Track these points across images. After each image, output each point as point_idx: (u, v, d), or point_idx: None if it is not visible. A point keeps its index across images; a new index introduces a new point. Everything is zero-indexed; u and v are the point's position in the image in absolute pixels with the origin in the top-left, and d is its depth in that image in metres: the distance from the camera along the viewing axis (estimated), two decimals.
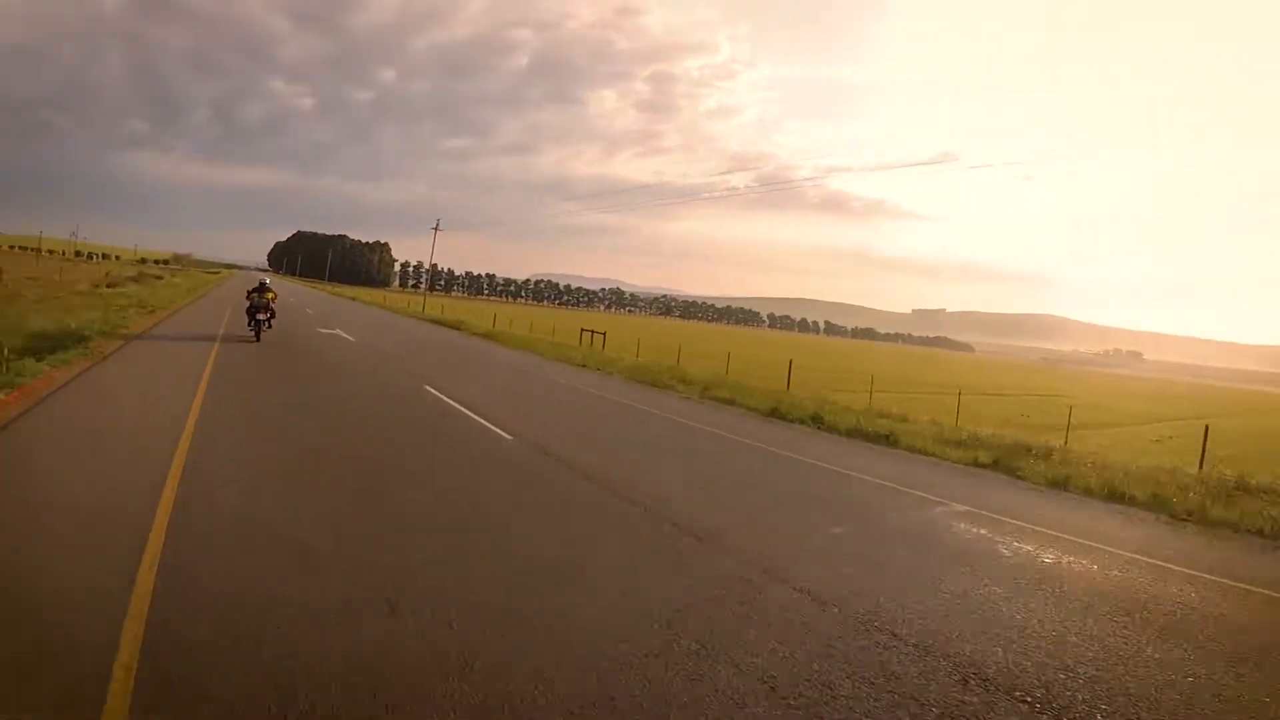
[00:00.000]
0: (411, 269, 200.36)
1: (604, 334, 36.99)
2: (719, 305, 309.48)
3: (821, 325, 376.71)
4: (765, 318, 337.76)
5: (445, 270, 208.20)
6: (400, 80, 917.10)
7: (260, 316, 19.07)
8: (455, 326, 40.07)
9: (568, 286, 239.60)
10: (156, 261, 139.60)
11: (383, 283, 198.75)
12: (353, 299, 74.08)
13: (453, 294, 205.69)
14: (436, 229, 67.34)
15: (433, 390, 13.01)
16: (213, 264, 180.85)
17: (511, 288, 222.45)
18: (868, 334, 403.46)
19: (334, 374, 14.75)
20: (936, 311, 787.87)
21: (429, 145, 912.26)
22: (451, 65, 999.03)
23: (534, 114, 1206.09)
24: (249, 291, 19.85)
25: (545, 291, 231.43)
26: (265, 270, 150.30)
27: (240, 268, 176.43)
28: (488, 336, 34.24)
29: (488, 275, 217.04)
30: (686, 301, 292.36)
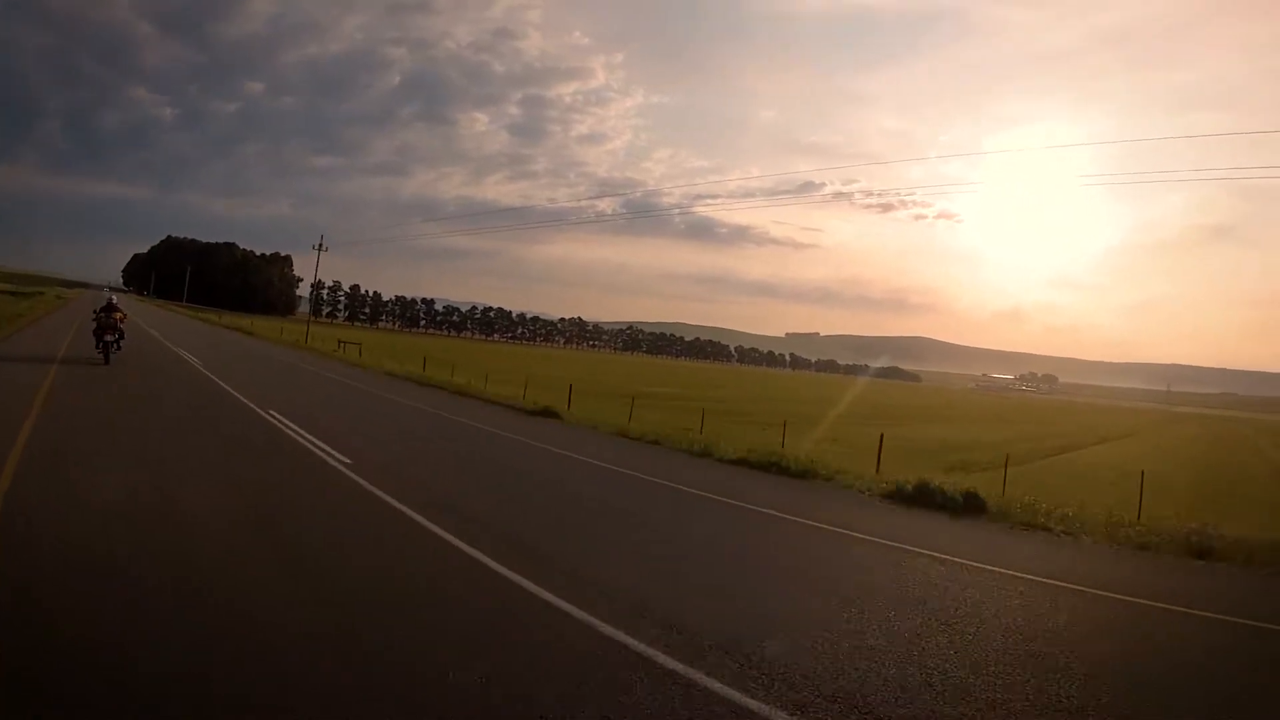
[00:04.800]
0: (326, 292, 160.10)
1: None
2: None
3: (788, 357, 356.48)
4: (733, 353, 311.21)
5: (369, 294, 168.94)
6: (269, 94, 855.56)
7: (108, 338, 19.53)
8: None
9: (521, 316, 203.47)
10: None
11: (285, 309, 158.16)
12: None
13: (380, 326, 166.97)
14: None
15: None
16: (44, 279, 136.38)
17: (455, 318, 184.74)
18: (830, 366, 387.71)
19: None
20: (810, 335, 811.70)
21: (296, 162, 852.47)
22: (323, 80, 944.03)
23: (404, 134, 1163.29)
24: (96, 311, 20.21)
25: (495, 321, 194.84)
26: (122, 290, 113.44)
27: (90, 286, 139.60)
28: None
29: (424, 301, 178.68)
30: (653, 334, 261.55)
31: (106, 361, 18.98)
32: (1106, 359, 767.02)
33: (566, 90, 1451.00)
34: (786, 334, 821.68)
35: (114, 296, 20.88)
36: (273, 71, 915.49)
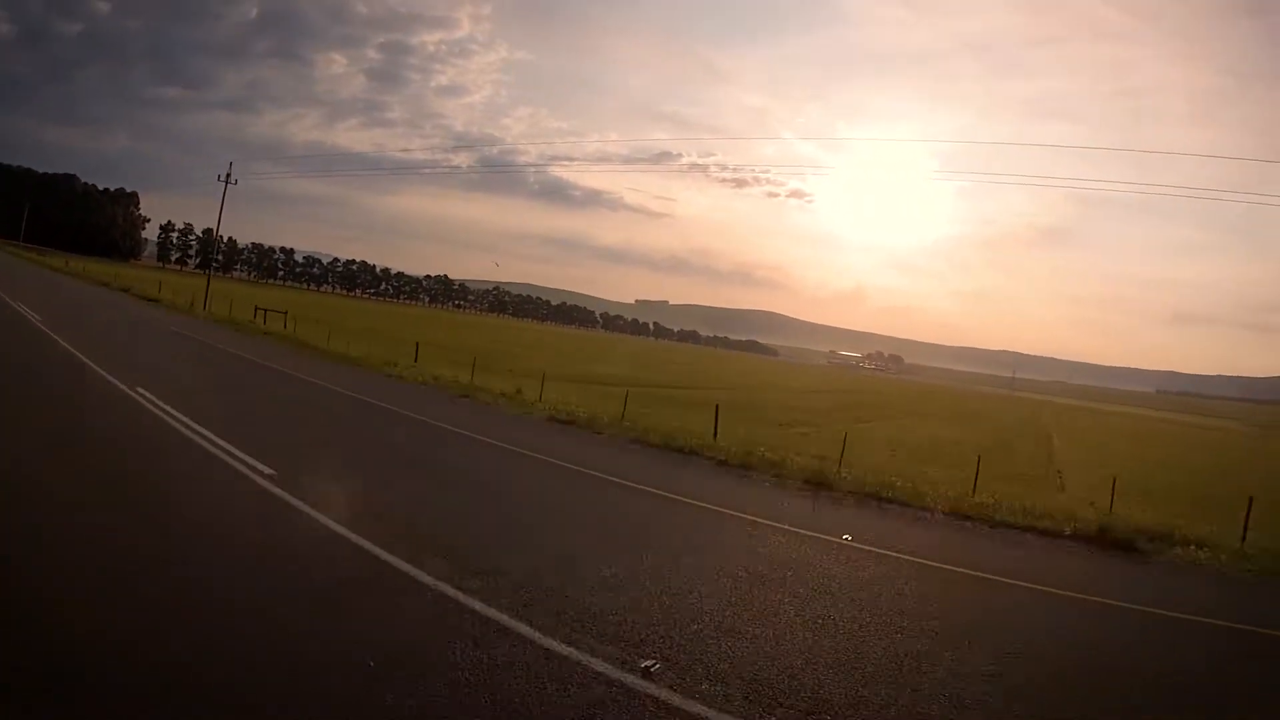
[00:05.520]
0: (176, 235, 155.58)
1: None
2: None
3: (651, 326, 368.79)
4: (598, 319, 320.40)
5: (224, 240, 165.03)
6: (114, 15, 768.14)
7: None
8: None
9: (385, 272, 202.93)
10: None
11: (129, 252, 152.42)
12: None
13: (233, 275, 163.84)
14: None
15: None
16: None
17: (315, 270, 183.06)
18: (692, 336, 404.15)
19: None
20: (660, 303, 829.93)
21: (138, 92, 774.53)
22: (173, 4, 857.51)
23: (256, 69, 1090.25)
24: None
25: (358, 276, 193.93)
26: None
27: None
28: None
29: (283, 250, 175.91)
30: (519, 297, 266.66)
31: None
32: (941, 341, 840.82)
33: (430, 39, 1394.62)
34: (636, 300, 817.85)
35: None
36: None
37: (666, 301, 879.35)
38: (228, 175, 47.28)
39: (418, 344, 32.21)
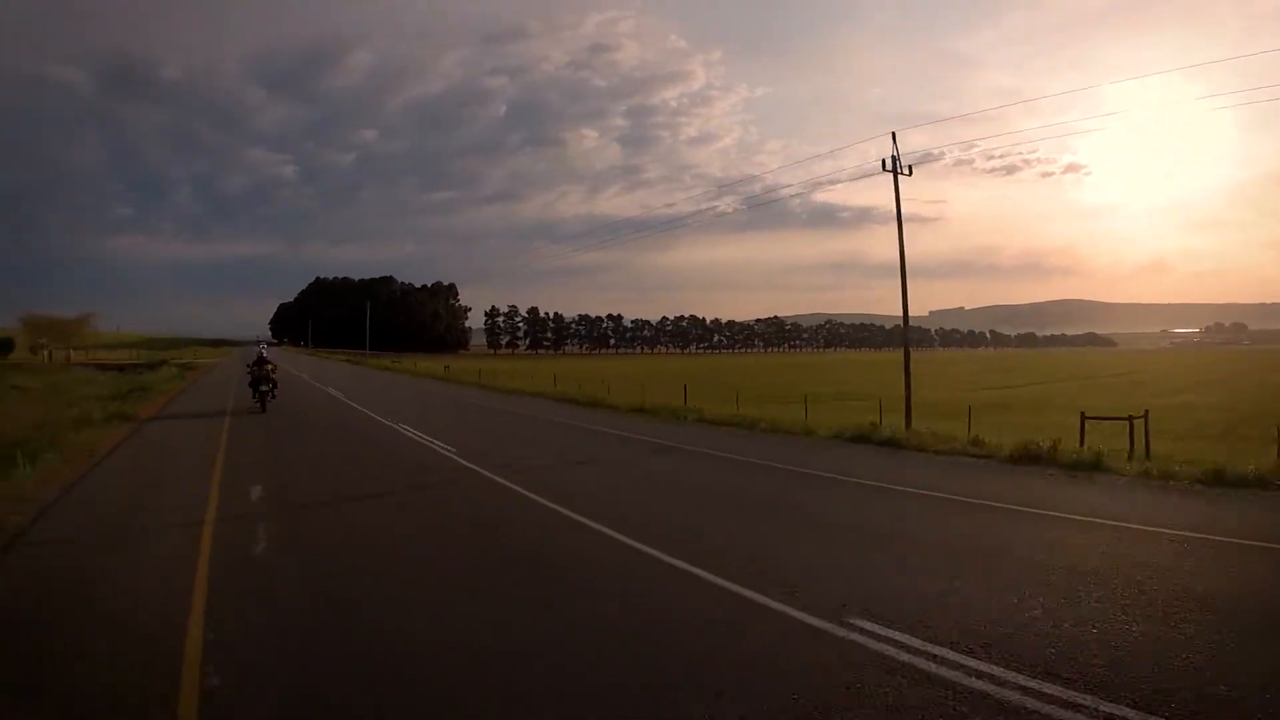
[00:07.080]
0: (502, 319, 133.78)
1: None
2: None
3: (989, 335, 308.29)
4: (934, 336, 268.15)
5: (550, 317, 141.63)
6: (381, 139, 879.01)
7: (263, 388, 20.31)
8: None
9: (716, 323, 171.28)
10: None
11: (457, 343, 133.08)
12: None
13: (565, 351, 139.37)
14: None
15: None
16: (185, 341, 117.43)
17: (646, 332, 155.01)
18: (1029, 340, 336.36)
19: None
20: (955, 310, 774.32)
21: (413, 201, 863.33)
22: (430, 119, 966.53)
23: (515, 160, 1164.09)
24: (249, 365, 21.83)
25: (689, 331, 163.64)
26: (273, 343, 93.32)
27: (235, 343, 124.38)
28: None
29: (611, 317, 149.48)
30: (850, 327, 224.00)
31: (263, 409, 19.80)
32: (1264, 300, 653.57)
33: (670, 95, 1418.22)
34: (929, 312, 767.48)
35: (264, 349, 22.00)
36: (382, 117, 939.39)
37: (961, 307, 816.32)
38: (894, 158, 22.18)
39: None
